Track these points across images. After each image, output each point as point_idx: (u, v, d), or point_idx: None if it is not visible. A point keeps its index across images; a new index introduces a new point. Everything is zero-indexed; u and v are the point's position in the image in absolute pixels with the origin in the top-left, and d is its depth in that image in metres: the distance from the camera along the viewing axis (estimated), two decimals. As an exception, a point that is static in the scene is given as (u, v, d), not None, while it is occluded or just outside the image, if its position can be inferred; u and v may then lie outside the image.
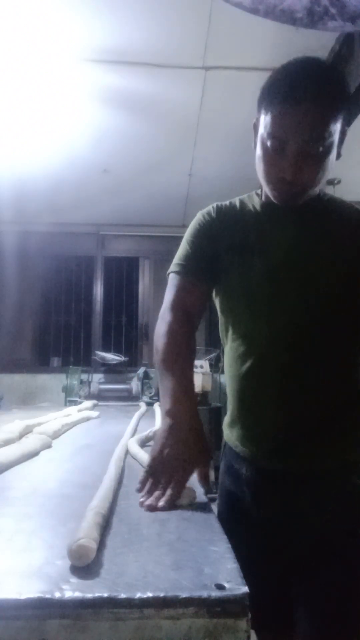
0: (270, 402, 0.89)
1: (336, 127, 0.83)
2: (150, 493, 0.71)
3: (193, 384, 0.90)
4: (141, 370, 3.90)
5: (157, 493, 0.70)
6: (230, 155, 3.14)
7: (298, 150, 0.82)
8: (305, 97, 0.79)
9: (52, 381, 4.22)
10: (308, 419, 0.86)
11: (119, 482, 0.82)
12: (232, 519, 0.92)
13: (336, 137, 0.84)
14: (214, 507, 0.74)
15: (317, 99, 0.79)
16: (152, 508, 0.67)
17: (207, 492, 0.73)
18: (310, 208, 0.91)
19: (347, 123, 0.87)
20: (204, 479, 0.75)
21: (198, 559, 0.51)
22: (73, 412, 1.91)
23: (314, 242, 0.91)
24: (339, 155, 0.89)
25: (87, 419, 1.90)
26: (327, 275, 0.88)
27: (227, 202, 1.05)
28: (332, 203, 0.97)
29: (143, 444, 1.19)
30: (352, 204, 0.99)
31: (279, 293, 0.90)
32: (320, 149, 0.82)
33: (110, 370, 3.97)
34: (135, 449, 1.09)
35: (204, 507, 0.71)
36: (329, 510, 0.82)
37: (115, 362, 3.93)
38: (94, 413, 2.04)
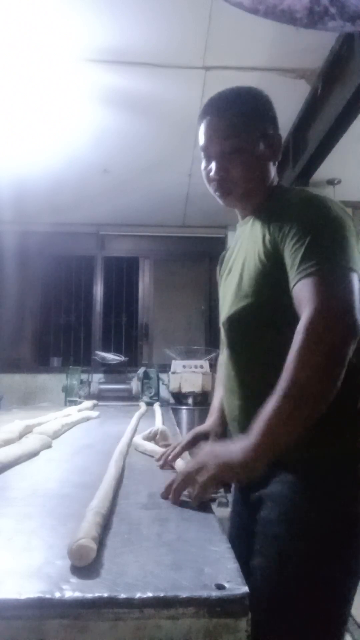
0: (228, 394, 1.00)
1: (246, 133, 0.96)
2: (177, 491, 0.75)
3: None
4: (141, 370, 3.90)
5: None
6: (230, 155, 3.14)
7: (214, 152, 0.98)
8: (210, 112, 1.00)
9: (52, 381, 4.22)
10: (249, 412, 0.84)
11: (119, 482, 0.82)
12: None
13: (249, 141, 0.96)
14: (214, 507, 0.74)
15: (219, 112, 0.98)
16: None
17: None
18: (258, 211, 0.99)
19: (271, 130, 1.00)
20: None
21: (198, 559, 0.51)
22: (73, 412, 1.91)
23: (246, 246, 0.98)
24: (274, 157, 1.00)
25: (87, 419, 1.90)
26: (246, 277, 0.94)
27: None
28: (278, 202, 0.94)
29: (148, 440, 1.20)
30: (312, 195, 0.92)
31: (223, 296, 1.05)
32: (230, 149, 0.95)
33: (110, 370, 3.96)
34: (143, 443, 1.17)
35: (204, 507, 0.71)
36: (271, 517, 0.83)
37: (115, 362, 3.93)
38: (94, 413, 2.04)
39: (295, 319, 0.77)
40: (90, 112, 2.58)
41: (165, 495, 0.75)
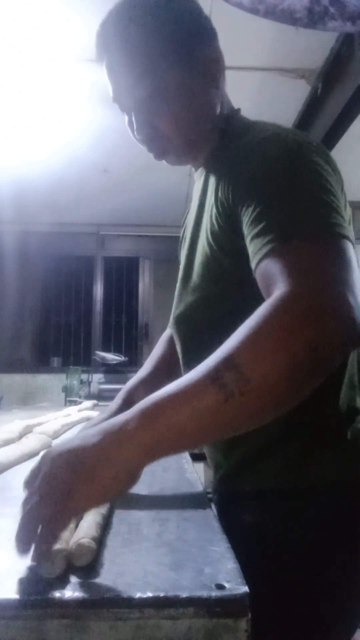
0: None
1: (160, 64, 0.69)
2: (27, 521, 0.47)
3: None
4: (141, 370, 3.89)
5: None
6: (230, 155, 3.14)
7: (127, 104, 0.74)
8: (105, 46, 0.72)
9: (52, 381, 4.22)
10: None
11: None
12: None
13: (167, 74, 0.70)
14: (215, 507, 0.74)
15: (117, 44, 0.70)
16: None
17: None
18: (211, 160, 0.73)
19: (198, 44, 0.73)
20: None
21: (198, 559, 0.51)
22: (73, 412, 1.91)
23: (197, 212, 0.74)
24: (211, 82, 0.75)
25: (87, 419, 1.90)
26: (196, 261, 0.72)
27: None
28: (238, 146, 0.67)
29: None
30: (276, 131, 0.66)
31: (180, 268, 0.80)
32: (145, 93, 0.69)
33: (110, 370, 3.96)
34: None
35: (204, 507, 0.71)
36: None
37: (115, 362, 3.93)
38: (94, 413, 2.04)
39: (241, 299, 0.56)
40: (90, 112, 2.58)
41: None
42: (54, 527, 0.45)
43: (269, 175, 0.57)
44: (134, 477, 0.46)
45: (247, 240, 0.57)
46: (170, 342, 0.94)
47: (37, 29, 1.97)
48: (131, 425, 0.45)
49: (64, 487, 0.45)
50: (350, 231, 0.56)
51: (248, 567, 0.47)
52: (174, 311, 0.78)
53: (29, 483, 0.51)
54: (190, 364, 0.64)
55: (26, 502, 0.49)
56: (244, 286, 0.54)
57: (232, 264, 0.64)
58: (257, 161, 0.59)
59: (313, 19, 1.11)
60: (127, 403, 0.94)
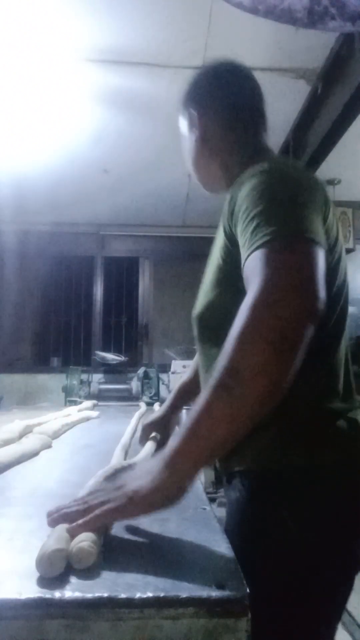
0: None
1: (186, 122, 0.97)
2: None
3: None
4: (141, 370, 3.89)
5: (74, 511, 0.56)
6: (230, 155, 3.14)
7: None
8: (180, 112, 1.00)
9: (52, 381, 4.22)
10: None
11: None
12: None
13: (186, 128, 0.97)
14: (214, 507, 0.74)
15: (180, 114, 1.00)
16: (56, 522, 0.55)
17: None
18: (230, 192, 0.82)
19: (204, 109, 0.94)
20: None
21: (198, 559, 0.51)
22: (73, 412, 1.91)
23: (219, 227, 0.84)
24: (204, 140, 0.95)
25: (87, 419, 1.90)
26: (210, 269, 0.89)
27: None
28: (244, 176, 0.78)
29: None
30: (273, 163, 0.80)
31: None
32: (183, 141, 0.98)
33: (110, 370, 3.96)
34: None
35: (204, 507, 0.71)
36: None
37: (115, 362, 3.93)
38: (94, 413, 2.04)
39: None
40: (90, 112, 2.58)
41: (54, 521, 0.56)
42: (102, 518, 0.54)
43: (254, 196, 0.69)
44: (184, 491, 0.57)
45: (240, 247, 0.68)
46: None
47: (37, 29, 1.97)
48: (174, 457, 0.56)
49: (127, 493, 0.55)
50: (320, 237, 0.65)
51: (232, 531, 0.67)
52: (194, 310, 0.92)
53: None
54: (201, 358, 0.91)
55: (89, 494, 0.60)
56: (240, 294, 0.62)
57: (232, 273, 0.74)
58: (248, 187, 0.72)
59: (313, 19, 1.11)
60: (178, 400, 1.18)
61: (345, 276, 0.83)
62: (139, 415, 2.00)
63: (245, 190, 0.72)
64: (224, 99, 0.95)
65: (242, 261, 0.66)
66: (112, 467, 0.80)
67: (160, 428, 1.15)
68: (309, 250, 0.61)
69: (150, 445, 1.04)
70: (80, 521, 0.53)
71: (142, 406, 2.53)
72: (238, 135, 0.93)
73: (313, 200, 0.71)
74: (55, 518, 0.56)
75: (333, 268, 0.77)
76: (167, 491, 0.55)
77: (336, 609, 0.76)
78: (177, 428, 1.14)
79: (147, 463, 0.63)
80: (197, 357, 1.13)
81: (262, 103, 1.00)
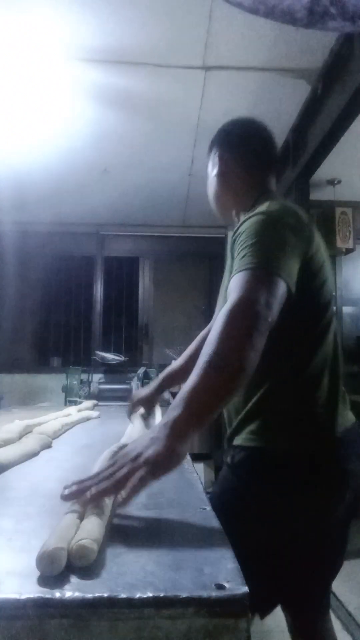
0: None
1: (211, 161, 1.24)
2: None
3: None
4: (141, 370, 3.89)
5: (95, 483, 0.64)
6: (230, 155, 3.14)
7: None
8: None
9: (52, 381, 4.22)
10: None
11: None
12: None
13: (211, 166, 1.24)
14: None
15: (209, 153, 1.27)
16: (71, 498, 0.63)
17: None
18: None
19: (225, 151, 1.21)
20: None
21: (198, 559, 0.51)
22: (73, 412, 1.91)
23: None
24: (222, 175, 1.21)
25: (87, 419, 1.90)
26: (224, 287, 1.12)
27: None
28: (243, 221, 1.01)
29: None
30: (268, 205, 1.01)
31: None
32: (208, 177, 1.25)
33: (110, 370, 3.96)
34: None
35: (204, 507, 0.71)
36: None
37: (115, 362, 3.93)
38: (94, 413, 2.04)
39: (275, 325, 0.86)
40: (90, 112, 2.58)
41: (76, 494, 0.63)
42: (139, 486, 0.63)
43: (250, 232, 0.93)
44: (186, 452, 0.71)
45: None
46: (202, 340, 1.37)
47: (36, 29, 1.97)
48: (178, 426, 0.71)
49: (148, 460, 0.66)
50: (287, 275, 0.89)
51: (221, 488, 0.98)
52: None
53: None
54: None
55: (106, 469, 0.68)
56: None
57: None
58: (248, 223, 0.96)
59: (313, 19, 1.11)
60: (164, 383, 1.48)
61: (330, 297, 1.05)
62: (139, 415, 2.00)
63: (245, 225, 0.96)
64: (243, 146, 1.19)
65: (230, 277, 0.91)
66: (117, 446, 0.93)
67: (146, 404, 1.47)
68: (274, 284, 0.86)
69: (138, 421, 1.27)
70: (124, 494, 0.62)
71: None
72: (250, 177, 1.17)
73: (294, 242, 0.94)
74: (75, 492, 0.63)
75: (319, 288, 1.01)
76: (176, 452, 0.68)
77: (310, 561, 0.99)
78: (169, 401, 1.45)
79: (150, 433, 0.72)
80: (190, 349, 1.47)
81: (274, 154, 1.24)
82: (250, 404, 1.01)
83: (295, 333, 0.99)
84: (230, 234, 1.17)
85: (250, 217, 0.98)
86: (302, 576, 1.00)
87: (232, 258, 0.96)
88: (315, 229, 1.04)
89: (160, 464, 0.65)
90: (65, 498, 0.63)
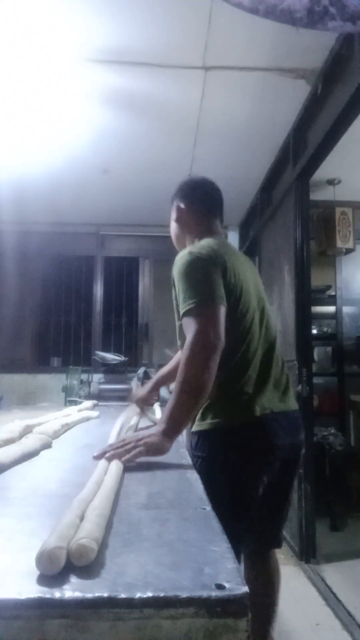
0: None
1: (172, 210, 1.62)
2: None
3: None
4: (141, 370, 3.89)
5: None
6: (230, 155, 3.14)
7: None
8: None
9: (52, 381, 4.22)
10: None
11: (120, 482, 0.82)
12: None
13: (172, 213, 1.62)
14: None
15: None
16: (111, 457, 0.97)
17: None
18: None
19: (180, 202, 1.59)
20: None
21: (198, 559, 0.51)
22: (73, 412, 1.91)
23: None
24: (178, 220, 1.61)
25: (87, 419, 1.90)
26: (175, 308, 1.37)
27: None
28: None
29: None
30: (184, 252, 1.32)
31: None
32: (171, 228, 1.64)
33: (110, 370, 3.96)
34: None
35: (204, 507, 0.71)
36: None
37: (115, 362, 3.93)
38: (94, 413, 2.04)
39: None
40: (90, 112, 2.58)
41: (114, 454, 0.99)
42: (137, 455, 1.01)
43: (180, 275, 1.26)
44: (171, 445, 1.09)
45: (179, 306, 1.25)
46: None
47: (37, 29, 1.97)
48: (165, 433, 1.09)
49: (147, 443, 1.05)
50: (219, 297, 1.20)
51: (193, 457, 1.22)
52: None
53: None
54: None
55: (120, 442, 1.07)
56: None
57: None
58: (176, 266, 1.29)
59: (313, 19, 1.11)
60: (158, 384, 1.83)
61: (247, 309, 1.33)
62: (139, 415, 2.00)
63: (176, 265, 1.29)
64: (193, 198, 1.54)
65: (179, 316, 1.24)
66: (119, 426, 1.41)
67: (145, 401, 1.82)
68: (216, 312, 1.18)
69: (135, 419, 1.61)
70: (128, 456, 0.99)
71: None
72: (198, 221, 1.52)
73: (213, 271, 1.24)
74: (100, 454, 0.99)
75: (235, 303, 1.29)
76: (166, 445, 1.07)
77: (248, 493, 1.28)
78: (158, 406, 1.92)
79: (151, 430, 1.11)
80: (178, 355, 1.73)
81: (218, 204, 1.59)
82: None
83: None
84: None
85: (178, 257, 1.32)
86: (239, 513, 1.24)
87: (174, 286, 1.30)
88: (230, 258, 1.33)
89: (152, 448, 1.05)
90: (95, 458, 0.99)
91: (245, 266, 1.43)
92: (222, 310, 1.18)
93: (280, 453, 1.29)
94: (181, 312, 1.20)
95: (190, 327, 1.16)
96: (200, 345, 1.12)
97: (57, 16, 1.91)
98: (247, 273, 1.40)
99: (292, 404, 1.40)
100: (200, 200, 1.54)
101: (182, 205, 1.55)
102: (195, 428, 1.34)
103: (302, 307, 2.72)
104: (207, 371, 1.11)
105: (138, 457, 1.00)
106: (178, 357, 1.72)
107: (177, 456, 1.11)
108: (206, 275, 1.22)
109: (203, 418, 1.30)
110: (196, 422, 1.34)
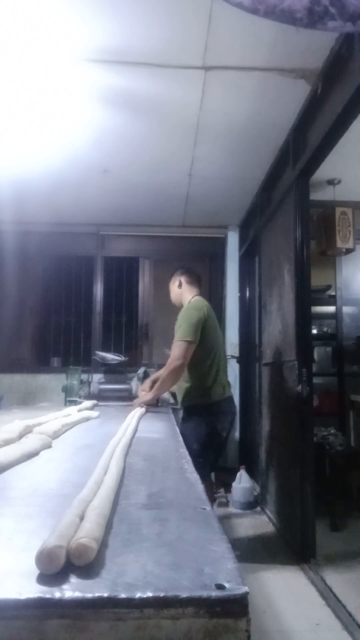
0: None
1: (173, 285, 2.76)
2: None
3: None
4: (141, 370, 3.90)
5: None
6: (230, 155, 3.14)
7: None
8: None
9: (52, 381, 4.22)
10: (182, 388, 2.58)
11: (120, 481, 0.82)
12: None
13: (170, 284, 2.79)
14: (215, 507, 0.74)
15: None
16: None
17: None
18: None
19: (181, 277, 2.73)
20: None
21: (198, 559, 0.51)
22: (73, 412, 1.91)
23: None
24: (180, 287, 2.73)
25: (87, 419, 1.91)
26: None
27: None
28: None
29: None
30: (188, 304, 2.64)
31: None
32: (170, 292, 2.80)
33: (110, 370, 3.96)
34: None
35: (204, 507, 0.71)
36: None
37: (115, 362, 3.93)
38: (94, 413, 2.04)
39: (194, 356, 2.46)
40: (90, 112, 2.58)
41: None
42: (141, 403, 2.48)
43: (182, 317, 2.52)
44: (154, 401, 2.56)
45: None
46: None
47: (37, 29, 1.97)
48: (157, 393, 2.54)
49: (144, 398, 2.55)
50: (195, 338, 2.45)
51: (183, 430, 2.26)
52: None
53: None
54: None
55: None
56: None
57: None
58: (182, 310, 2.60)
59: (313, 19, 1.11)
60: (153, 383, 2.70)
61: (215, 331, 2.60)
62: (140, 415, 2.00)
63: (182, 312, 2.56)
64: (188, 276, 2.72)
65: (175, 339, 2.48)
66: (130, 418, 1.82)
67: (148, 389, 2.66)
68: (190, 346, 2.43)
69: (140, 410, 2.26)
70: (141, 406, 2.41)
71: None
72: (189, 289, 2.69)
73: (198, 318, 2.47)
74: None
75: (206, 338, 2.50)
76: (154, 399, 2.52)
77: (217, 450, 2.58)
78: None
79: (148, 393, 2.52)
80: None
81: (199, 279, 2.80)
82: (184, 389, 2.54)
83: (197, 357, 2.46)
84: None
85: (188, 306, 2.57)
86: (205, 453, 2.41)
87: (178, 322, 2.50)
88: (208, 308, 2.59)
89: (148, 401, 2.46)
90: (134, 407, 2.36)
91: (213, 312, 2.63)
92: (193, 345, 2.43)
93: (230, 417, 2.56)
94: (176, 338, 2.45)
95: (175, 350, 2.42)
96: (177, 363, 2.40)
97: (58, 16, 1.91)
98: (214, 316, 2.63)
99: (230, 392, 2.60)
100: (192, 277, 2.74)
101: (182, 279, 2.70)
102: (187, 403, 2.54)
103: (302, 307, 2.72)
104: (176, 376, 2.46)
105: (142, 405, 2.38)
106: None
107: (177, 456, 1.11)
108: (193, 320, 2.45)
109: (187, 398, 2.54)
110: (185, 400, 2.55)
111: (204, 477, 2.01)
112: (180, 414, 2.60)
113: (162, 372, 2.50)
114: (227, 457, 4.09)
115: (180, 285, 2.68)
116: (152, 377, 2.76)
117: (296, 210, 2.79)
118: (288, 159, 2.91)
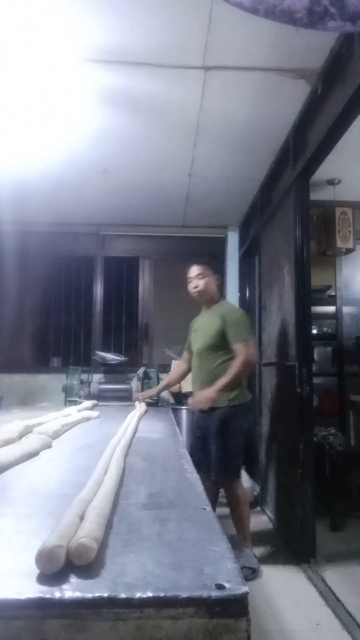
0: (199, 377, 2.70)
1: (203, 273, 2.70)
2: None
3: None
4: (141, 370, 3.90)
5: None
6: (230, 155, 3.14)
7: (190, 280, 2.73)
8: (190, 265, 2.76)
9: (52, 381, 4.22)
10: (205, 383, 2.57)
11: (120, 481, 0.82)
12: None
13: (206, 276, 2.70)
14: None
15: (193, 265, 2.74)
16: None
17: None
18: (211, 307, 2.74)
19: (216, 273, 2.78)
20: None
21: (198, 559, 0.51)
22: (73, 412, 1.91)
23: (208, 322, 2.67)
24: (218, 283, 2.79)
25: (87, 419, 1.91)
26: (209, 334, 2.61)
27: None
28: (221, 305, 2.74)
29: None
30: (234, 305, 2.90)
31: (195, 338, 2.79)
32: (196, 278, 2.70)
33: (110, 370, 3.96)
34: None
35: (204, 507, 0.71)
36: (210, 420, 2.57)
37: (115, 362, 3.93)
38: (94, 413, 2.04)
39: (225, 351, 2.56)
40: (90, 112, 2.58)
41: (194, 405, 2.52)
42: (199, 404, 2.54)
43: (238, 318, 2.63)
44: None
45: (228, 334, 2.56)
46: (181, 365, 3.02)
47: (37, 29, 1.97)
48: (220, 389, 2.48)
49: (205, 394, 2.52)
50: (252, 335, 2.69)
51: (216, 430, 2.55)
52: (199, 346, 2.74)
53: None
54: (202, 365, 2.73)
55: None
56: (219, 350, 2.59)
57: (222, 337, 2.57)
58: (234, 313, 2.69)
59: (313, 19, 1.11)
60: (164, 387, 3.16)
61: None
62: (140, 415, 2.00)
63: (233, 314, 2.65)
64: (218, 281, 2.81)
65: (231, 341, 2.53)
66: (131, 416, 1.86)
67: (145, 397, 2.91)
68: (254, 344, 2.61)
69: (143, 406, 2.50)
70: (199, 405, 2.50)
71: (143, 406, 2.53)
72: (217, 286, 2.77)
73: (249, 320, 2.70)
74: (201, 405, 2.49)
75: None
76: (211, 399, 2.44)
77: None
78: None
79: (205, 391, 2.48)
80: (177, 365, 3.21)
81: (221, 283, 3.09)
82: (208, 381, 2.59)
83: (227, 357, 2.55)
84: (205, 311, 2.81)
85: (235, 308, 2.85)
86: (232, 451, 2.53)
87: (225, 321, 2.57)
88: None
89: (204, 402, 2.45)
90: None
91: None
92: (255, 342, 2.66)
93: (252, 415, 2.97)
94: (234, 340, 2.51)
95: (240, 351, 2.47)
96: (247, 363, 2.48)
97: (58, 16, 1.91)
98: None
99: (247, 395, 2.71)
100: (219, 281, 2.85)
101: (214, 278, 2.75)
102: (231, 404, 2.53)
103: (302, 307, 2.72)
104: (247, 372, 2.61)
105: (203, 406, 2.45)
106: (179, 368, 3.03)
107: (177, 456, 1.11)
108: (248, 323, 2.65)
109: (239, 397, 2.56)
110: (235, 399, 2.55)
111: (239, 475, 2.58)
112: (216, 414, 2.49)
113: (235, 369, 2.43)
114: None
115: (214, 283, 2.74)
116: (164, 383, 3.10)
117: (296, 210, 2.78)
118: (288, 159, 2.91)
